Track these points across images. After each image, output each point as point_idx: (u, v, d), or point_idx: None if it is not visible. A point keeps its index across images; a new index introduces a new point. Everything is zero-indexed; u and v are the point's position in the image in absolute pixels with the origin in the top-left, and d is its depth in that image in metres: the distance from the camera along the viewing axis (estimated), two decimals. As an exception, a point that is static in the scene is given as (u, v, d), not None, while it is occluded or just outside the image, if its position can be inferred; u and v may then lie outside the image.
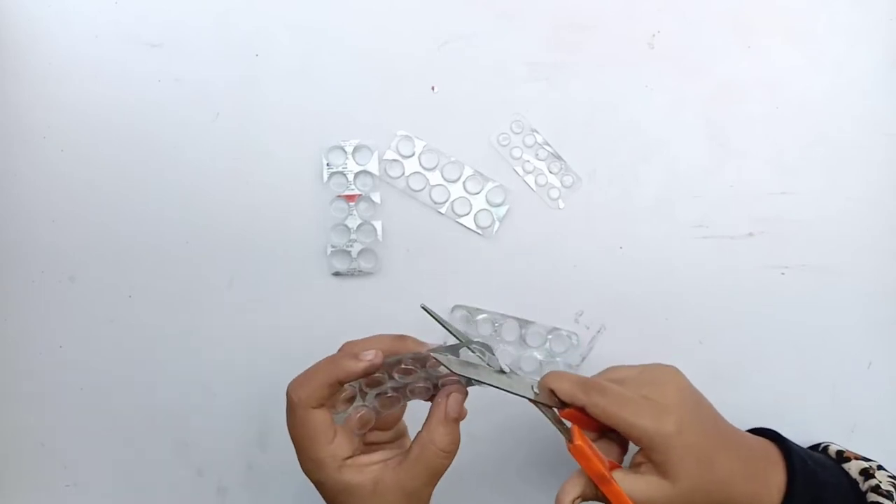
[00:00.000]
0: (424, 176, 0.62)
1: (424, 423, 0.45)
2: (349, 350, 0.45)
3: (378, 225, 0.61)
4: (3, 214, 0.61)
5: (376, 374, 0.45)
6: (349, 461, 0.45)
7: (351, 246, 0.61)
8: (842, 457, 0.54)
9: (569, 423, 0.47)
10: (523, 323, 0.60)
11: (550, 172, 0.62)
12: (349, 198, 0.61)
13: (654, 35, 0.63)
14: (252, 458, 0.61)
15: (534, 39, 0.62)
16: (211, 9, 0.62)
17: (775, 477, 0.48)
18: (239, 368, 0.61)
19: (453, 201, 0.62)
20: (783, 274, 0.62)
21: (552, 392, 0.47)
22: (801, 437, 0.61)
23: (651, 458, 0.46)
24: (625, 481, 0.45)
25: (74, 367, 0.61)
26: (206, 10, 0.62)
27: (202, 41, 0.62)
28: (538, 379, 0.48)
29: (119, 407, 0.61)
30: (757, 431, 0.53)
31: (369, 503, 0.44)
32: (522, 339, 0.60)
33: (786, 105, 0.62)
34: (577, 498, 0.46)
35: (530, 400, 0.47)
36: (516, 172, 0.62)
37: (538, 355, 0.60)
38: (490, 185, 0.62)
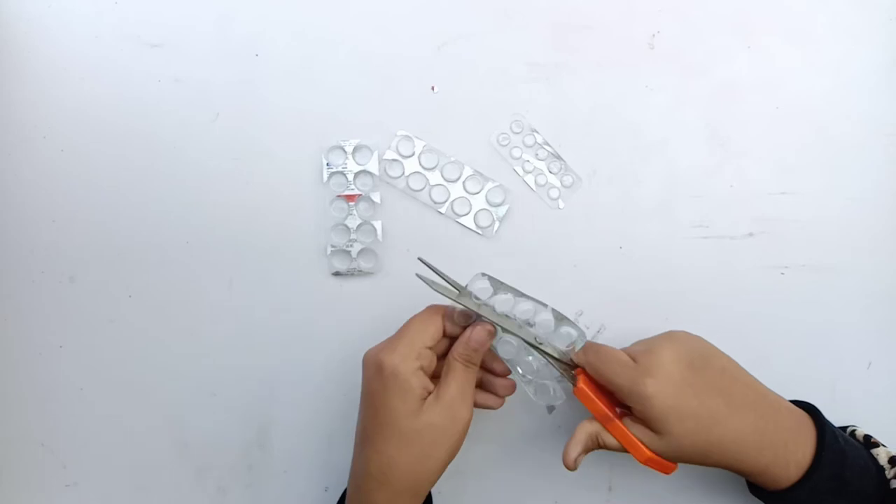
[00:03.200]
0: (424, 176, 0.62)
1: (451, 349, 0.51)
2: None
3: (378, 225, 0.61)
4: (3, 214, 0.61)
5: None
6: (421, 372, 0.50)
7: (351, 246, 0.61)
8: (869, 441, 0.54)
9: (573, 372, 0.52)
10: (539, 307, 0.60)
11: (550, 172, 0.62)
12: (349, 198, 0.61)
13: (654, 35, 0.63)
14: (252, 458, 0.61)
15: (534, 39, 0.62)
16: (211, 9, 0.62)
17: (798, 452, 0.49)
18: (239, 368, 0.61)
19: (453, 201, 0.62)
20: (783, 274, 0.62)
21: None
22: (801, 437, 0.61)
23: (639, 417, 0.49)
24: (627, 423, 0.50)
25: (74, 367, 0.61)
26: (206, 11, 0.62)
27: (202, 41, 0.62)
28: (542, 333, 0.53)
29: (119, 407, 0.61)
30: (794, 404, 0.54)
31: (416, 419, 0.49)
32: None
33: (786, 105, 0.62)
34: (581, 455, 0.51)
35: (532, 345, 0.52)
36: (516, 172, 0.62)
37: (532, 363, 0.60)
38: (490, 184, 0.62)
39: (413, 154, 0.62)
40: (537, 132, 0.62)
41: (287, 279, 0.61)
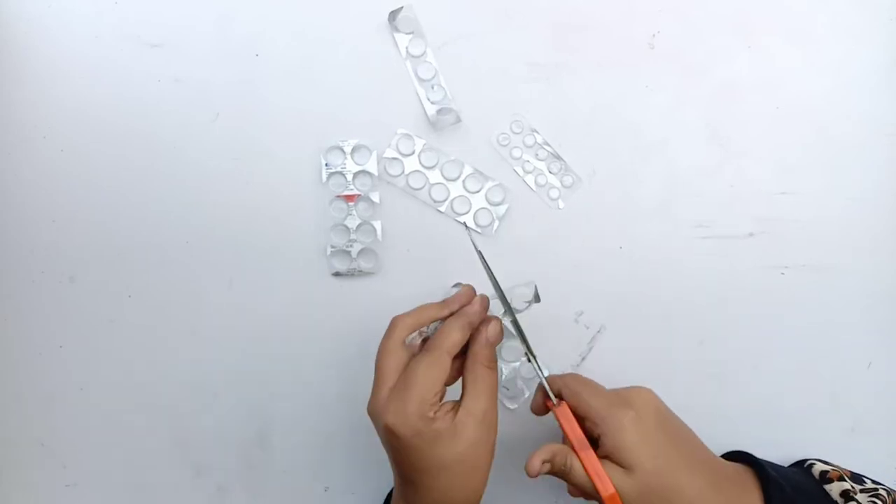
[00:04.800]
0: (424, 174, 0.62)
1: (468, 353, 0.50)
2: (443, 310, 0.51)
3: (378, 225, 0.61)
4: (3, 214, 0.61)
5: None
6: (437, 412, 0.48)
7: (351, 246, 0.61)
8: (825, 477, 0.53)
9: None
10: (508, 334, 0.60)
11: (550, 172, 0.62)
12: (348, 198, 0.61)
13: (654, 35, 0.63)
14: (252, 458, 0.61)
15: (534, 39, 0.62)
16: (211, 9, 0.62)
17: None
18: (239, 368, 0.61)
19: (453, 200, 0.62)
20: (783, 274, 0.62)
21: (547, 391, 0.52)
22: (801, 436, 0.61)
23: (608, 449, 0.48)
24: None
25: (74, 367, 0.61)
26: (206, 11, 0.62)
27: (202, 41, 0.62)
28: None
29: (119, 407, 0.61)
30: (732, 456, 0.54)
31: (455, 446, 0.47)
32: (499, 348, 0.60)
33: (786, 105, 0.62)
34: (547, 461, 0.49)
35: (528, 352, 0.52)
36: (516, 172, 0.62)
37: (503, 368, 0.60)
38: (490, 183, 0.62)
39: (413, 153, 0.62)
40: (537, 132, 0.62)
41: (287, 279, 0.61)
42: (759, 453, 0.54)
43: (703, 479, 0.49)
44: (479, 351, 0.50)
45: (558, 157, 0.62)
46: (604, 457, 0.48)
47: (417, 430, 0.46)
